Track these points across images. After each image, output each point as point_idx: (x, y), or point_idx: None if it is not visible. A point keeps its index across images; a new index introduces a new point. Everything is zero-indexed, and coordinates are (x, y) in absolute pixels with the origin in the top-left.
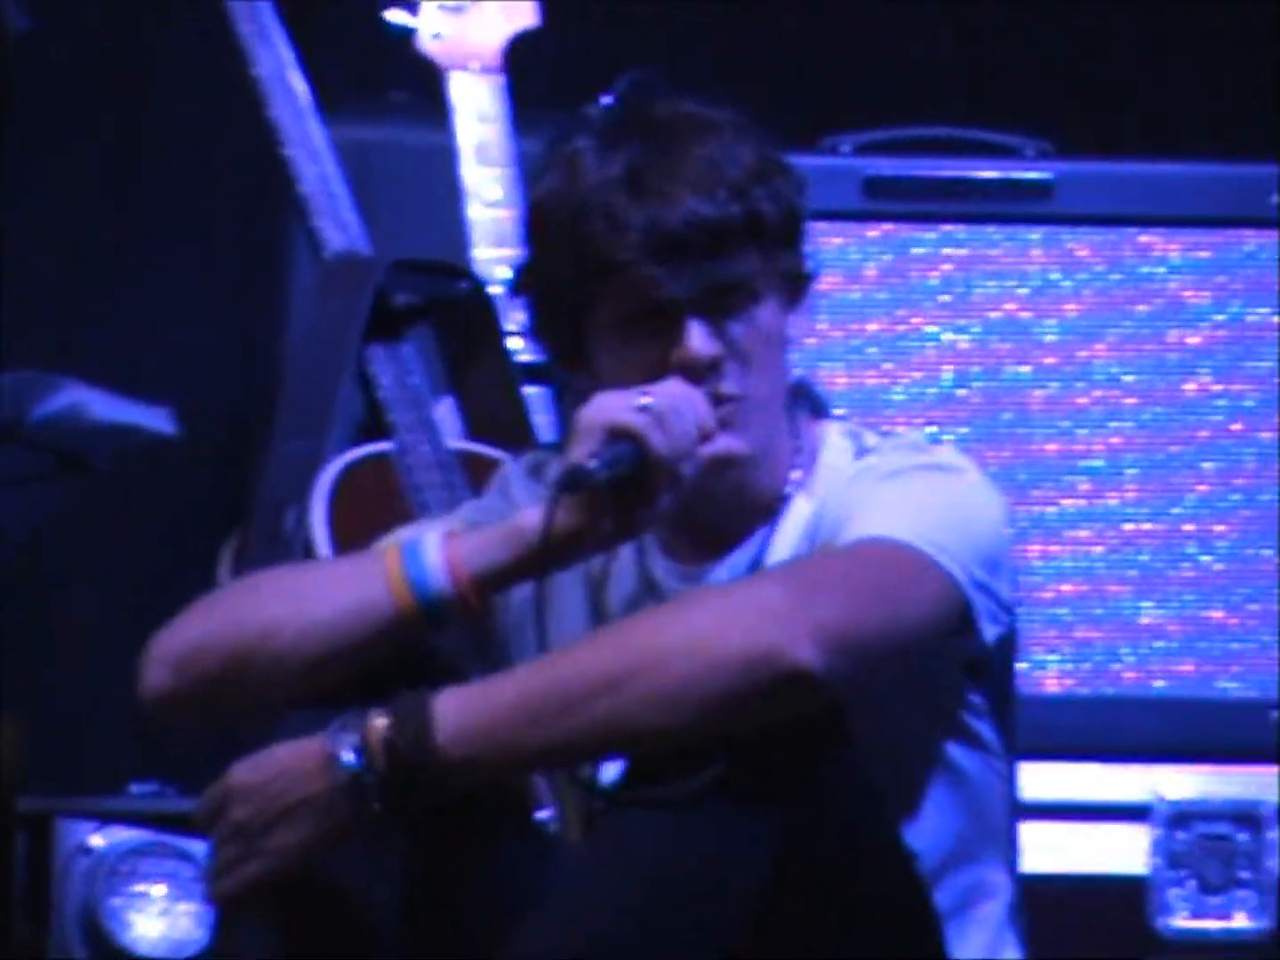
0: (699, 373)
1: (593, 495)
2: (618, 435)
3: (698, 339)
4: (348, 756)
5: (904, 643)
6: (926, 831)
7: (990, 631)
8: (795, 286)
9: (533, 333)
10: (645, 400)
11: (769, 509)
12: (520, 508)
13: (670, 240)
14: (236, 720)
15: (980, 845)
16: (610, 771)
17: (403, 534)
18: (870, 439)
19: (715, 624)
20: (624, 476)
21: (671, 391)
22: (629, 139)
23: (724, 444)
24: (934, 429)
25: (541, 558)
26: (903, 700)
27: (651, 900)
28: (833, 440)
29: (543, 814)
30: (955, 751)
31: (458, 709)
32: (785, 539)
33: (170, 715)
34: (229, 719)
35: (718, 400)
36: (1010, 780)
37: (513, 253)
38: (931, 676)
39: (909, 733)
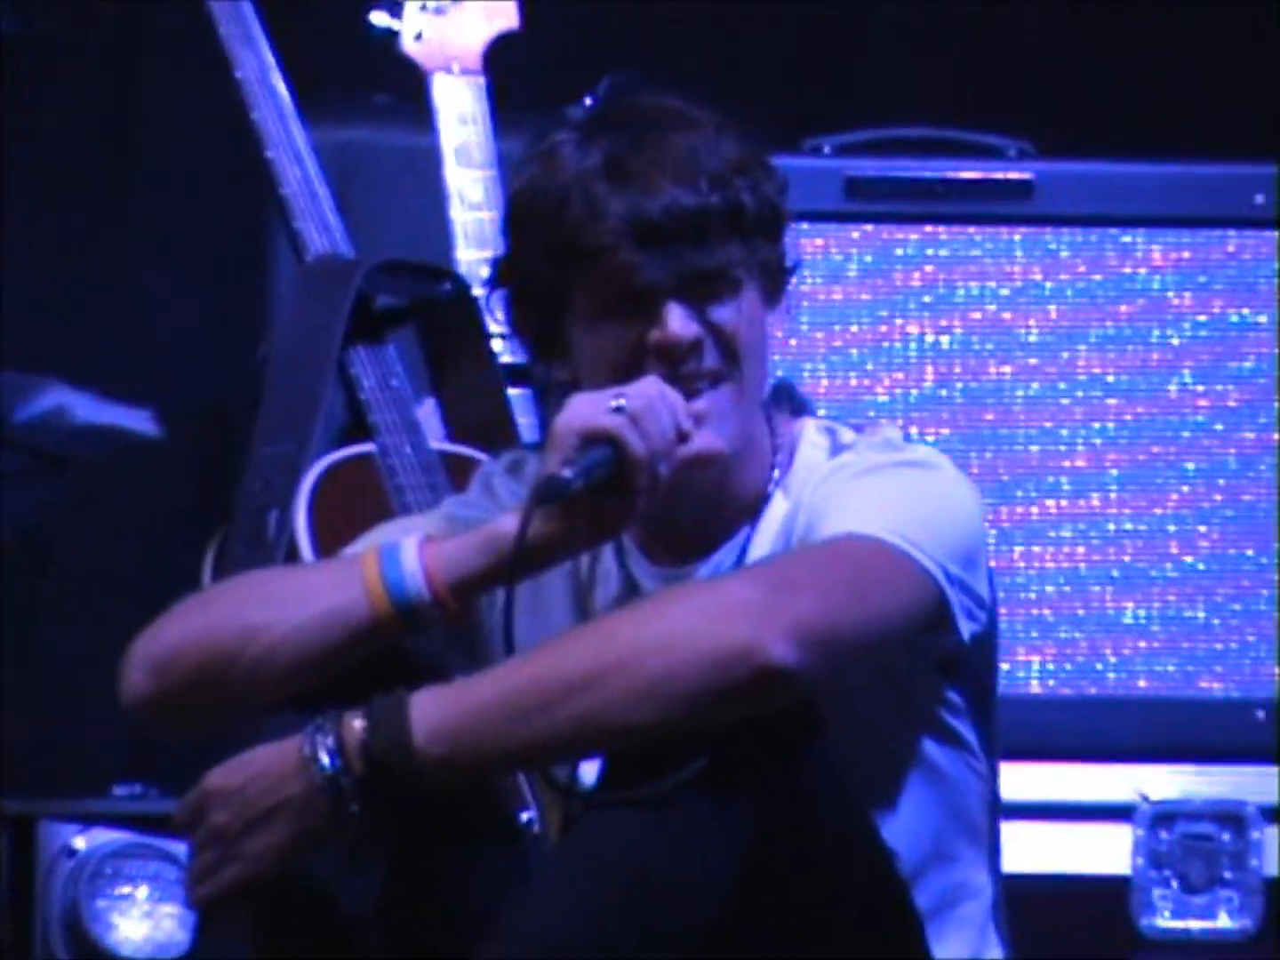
0: (679, 355)
1: (569, 503)
2: (593, 439)
3: (677, 321)
4: (324, 759)
5: (880, 638)
6: (905, 830)
7: (967, 628)
8: (775, 281)
9: (509, 325)
10: (619, 402)
11: (750, 509)
12: (504, 503)
13: (650, 227)
14: (217, 723)
15: (960, 844)
16: (590, 772)
17: (381, 534)
18: (846, 435)
19: (691, 621)
20: (601, 481)
21: (647, 391)
22: (610, 130)
23: (702, 443)
24: (916, 430)
25: (516, 566)
26: (879, 698)
27: (626, 898)
28: (810, 437)
29: (525, 815)
30: (933, 750)
31: (434, 709)
32: (765, 538)
33: (151, 718)
34: (209, 722)
35: (698, 379)
36: (991, 780)
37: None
38: (907, 674)
39: (885, 730)
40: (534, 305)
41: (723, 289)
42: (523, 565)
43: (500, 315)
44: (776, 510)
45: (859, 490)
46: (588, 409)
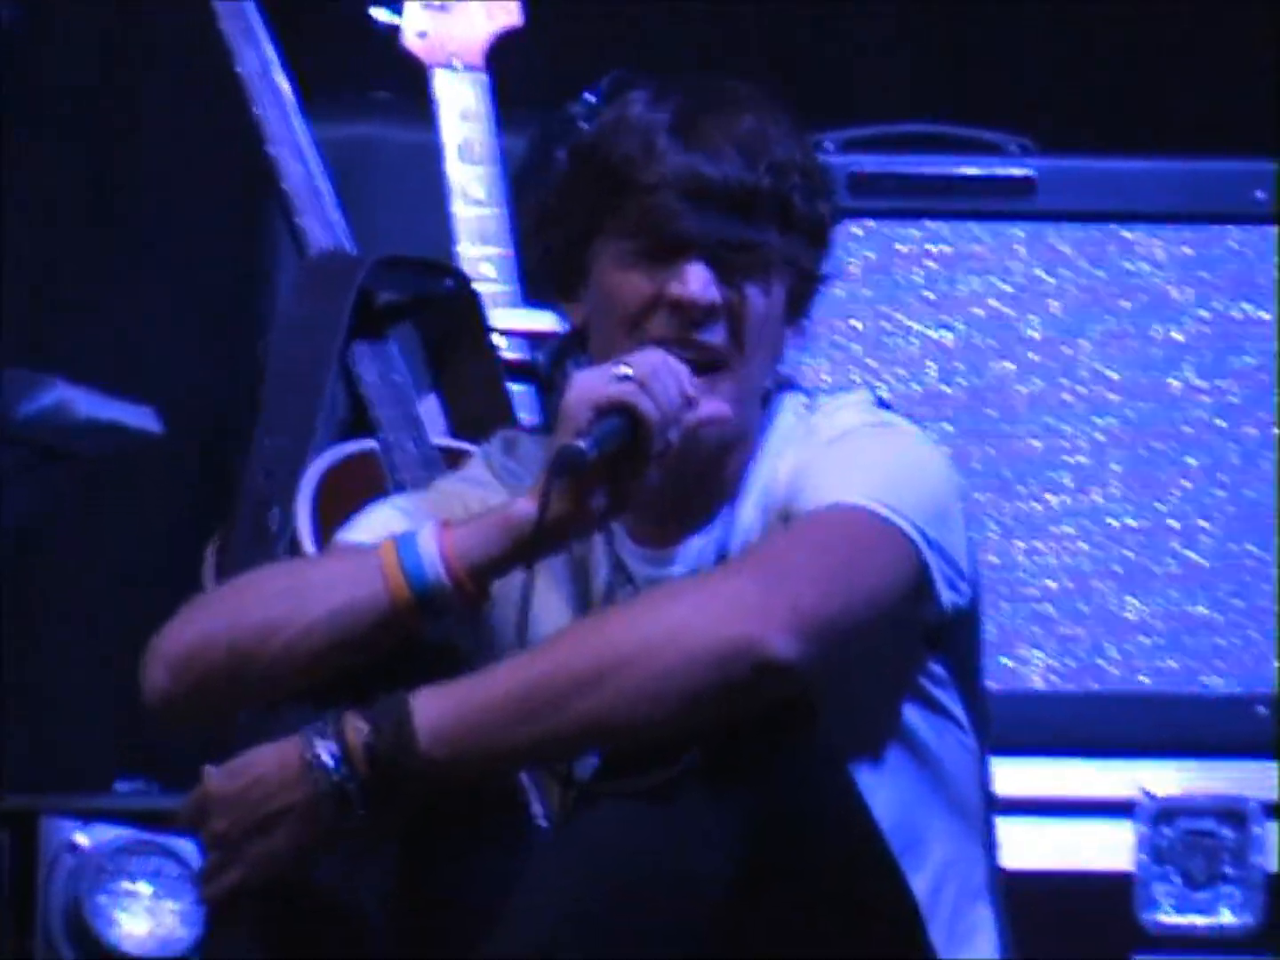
0: (692, 317)
1: (584, 476)
2: (606, 410)
3: (698, 281)
4: (328, 763)
5: (874, 619)
6: (893, 802)
7: (948, 597)
8: (803, 288)
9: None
10: (625, 369)
11: (732, 482)
12: (503, 481)
13: (700, 183)
14: (237, 717)
15: (951, 819)
16: (590, 765)
17: (376, 513)
18: (819, 400)
19: (691, 617)
20: (615, 451)
21: (651, 359)
22: (685, 93)
23: (711, 408)
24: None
25: (536, 544)
26: (862, 670)
27: (622, 889)
28: (785, 405)
29: (530, 810)
30: (917, 720)
31: (437, 710)
32: (748, 509)
33: (173, 716)
34: (230, 717)
35: (704, 352)
36: (981, 759)
37: (498, 251)
38: (889, 643)
39: (869, 701)
40: (566, 233)
41: (752, 267)
42: (543, 543)
43: (503, 314)
44: (757, 480)
45: (834, 457)
46: (596, 381)
